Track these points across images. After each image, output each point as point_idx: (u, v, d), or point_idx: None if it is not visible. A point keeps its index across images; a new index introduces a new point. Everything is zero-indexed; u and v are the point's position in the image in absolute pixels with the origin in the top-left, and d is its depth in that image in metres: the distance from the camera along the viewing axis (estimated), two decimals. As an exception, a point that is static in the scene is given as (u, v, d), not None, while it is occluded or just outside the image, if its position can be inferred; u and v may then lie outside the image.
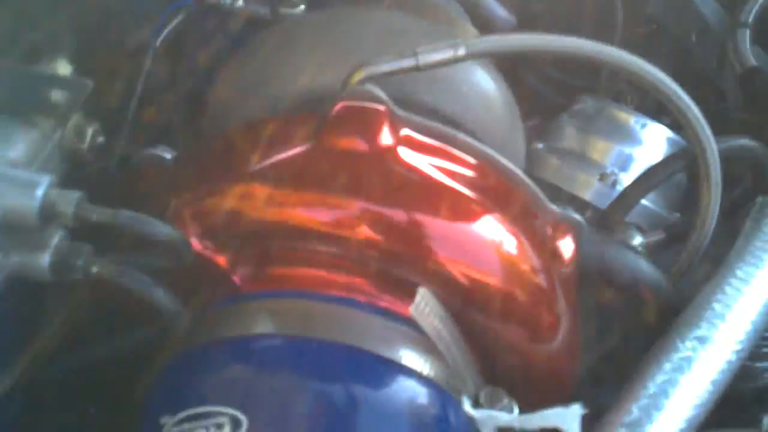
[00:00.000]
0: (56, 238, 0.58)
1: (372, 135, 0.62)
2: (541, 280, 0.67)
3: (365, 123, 0.63)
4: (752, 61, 1.16)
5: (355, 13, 0.79)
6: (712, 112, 1.17)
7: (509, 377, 0.68)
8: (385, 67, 0.68)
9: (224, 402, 0.57)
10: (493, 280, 0.64)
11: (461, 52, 0.69)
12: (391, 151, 0.63)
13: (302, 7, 0.91)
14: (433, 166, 0.65)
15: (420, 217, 0.64)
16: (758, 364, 0.93)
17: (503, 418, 0.62)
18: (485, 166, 0.68)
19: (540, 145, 1.02)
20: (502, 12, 1.17)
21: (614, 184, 0.94)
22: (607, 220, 0.84)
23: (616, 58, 0.71)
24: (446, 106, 0.75)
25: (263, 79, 0.76)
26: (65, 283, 0.61)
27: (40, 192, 0.54)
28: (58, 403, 0.73)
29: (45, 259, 0.58)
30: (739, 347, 0.70)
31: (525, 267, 0.66)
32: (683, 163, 0.82)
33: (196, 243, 0.64)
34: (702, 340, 0.70)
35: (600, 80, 1.31)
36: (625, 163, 0.99)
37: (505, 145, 0.79)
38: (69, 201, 0.55)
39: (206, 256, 0.64)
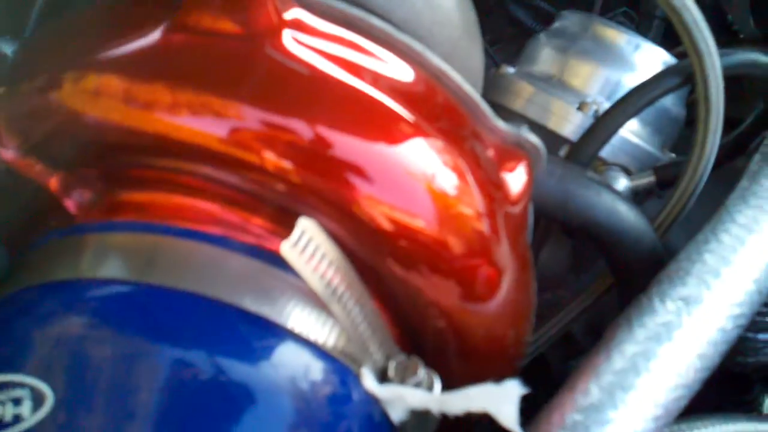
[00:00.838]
0: None
1: (245, 12, 0.46)
2: (482, 225, 0.51)
3: None
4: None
5: None
6: (716, 36, 1.01)
7: (436, 346, 0.53)
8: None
9: (28, 369, 0.42)
10: (421, 224, 0.49)
11: None
12: (271, 35, 0.47)
13: None
14: (336, 60, 0.49)
15: (325, 132, 0.47)
16: (761, 336, 0.78)
17: (417, 396, 0.47)
18: (413, 68, 0.52)
19: (510, 69, 0.86)
20: None
21: (597, 115, 0.78)
22: (578, 152, 0.68)
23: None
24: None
25: None
26: None
27: None
28: None
29: None
30: (737, 311, 0.55)
31: (464, 210, 0.50)
32: (676, 81, 0.66)
33: (15, 158, 0.48)
34: (688, 300, 0.54)
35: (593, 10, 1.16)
36: (612, 92, 0.82)
37: (453, 53, 0.63)
38: None
39: (30, 176, 0.49)
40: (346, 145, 0.47)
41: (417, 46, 0.52)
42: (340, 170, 0.47)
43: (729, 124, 0.75)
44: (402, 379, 0.48)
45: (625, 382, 0.50)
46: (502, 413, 0.45)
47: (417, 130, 0.50)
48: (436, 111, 0.51)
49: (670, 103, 0.82)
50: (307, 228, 0.45)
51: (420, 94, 0.52)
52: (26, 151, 0.48)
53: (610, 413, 0.49)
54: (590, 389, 0.50)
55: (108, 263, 0.46)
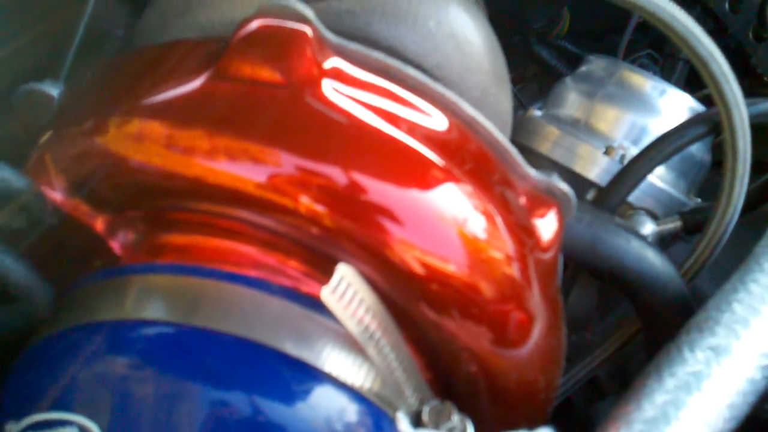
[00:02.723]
0: None
1: (286, 61, 0.49)
2: (513, 270, 0.53)
3: (279, 46, 0.49)
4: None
5: None
6: (746, 92, 1.03)
7: (468, 391, 0.54)
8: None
9: (76, 407, 0.44)
10: (453, 268, 0.50)
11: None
12: (311, 84, 0.49)
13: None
14: (373, 109, 0.51)
15: (360, 178, 0.50)
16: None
17: (449, 440, 0.49)
18: (446, 116, 0.54)
19: (538, 113, 0.88)
20: None
21: (623, 159, 0.80)
22: (606, 198, 0.70)
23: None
24: (407, 44, 0.61)
25: (192, 5, 0.63)
26: None
27: None
28: None
29: None
30: (765, 362, 0.56)
31: (494, 254, 0.52)
32: (704, 130, 0.68)
33: (62, 199, 0.51)
34: (717, 350, 0.56)
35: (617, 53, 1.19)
36: (638, 137, 0.85)
37: (483, 99, 0.66)
38: None
39: (78, 217, 0.51)
40: (379, 190, 0.50)
41: (450, 95, 0.54)
42: (373, 215, 0.49)
43: (757, 167, 0.77)
44: (436, 424, 0.49)
45: (655, 430, 0.51)
46: (534, 460, 0.46)
47: (449, 177, 0.52)
48: (468, 158, 0.54)
49: (696, 148, 0.84)
50: (346, 274, 0.47)
51: (453, 142, 0.54)
52: (73, 192, 0.51)
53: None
54: (621, 436, 0.51)
55: (152, 305, 0.48)
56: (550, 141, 0.85)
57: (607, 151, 0.81)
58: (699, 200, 0.85)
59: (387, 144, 0.51)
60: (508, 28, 1.27)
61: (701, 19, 1.22)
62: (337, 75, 0.51)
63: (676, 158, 0.84)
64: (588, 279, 0.79)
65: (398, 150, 0.52)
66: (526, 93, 1.30)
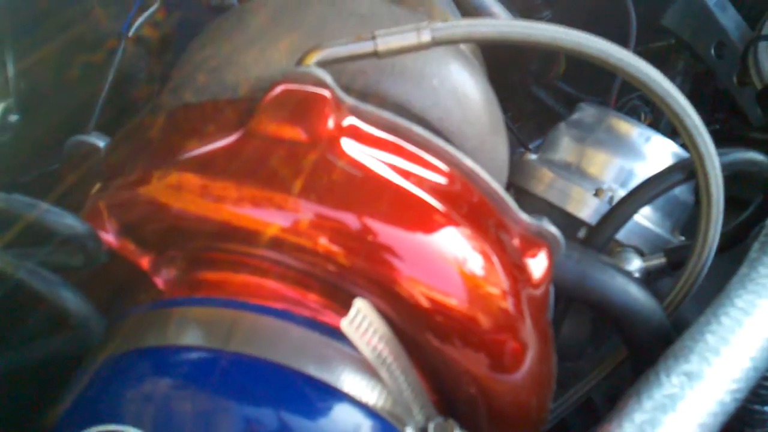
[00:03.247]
0: (-50, 226, 0.53)
1: (310, 122, 0.57)
2: (508, 304, 0.61)
3: (303, 108, 0.57)
4: (773, 77, 1.10)
5: (311, -5, 0.74)
6: (732, 133, 1.11)
7: (468, 411, 0.61)
8: (340, 51, 0.62)
9: (132, 421, 0.51)
10: (454, 302, 0.58)
11: (426, 37, 0.63)
12: (332, 141, 0.57)
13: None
14: (385, 163, 0.59)
15: (372, 223, 0.57)
16: (767, 409, 0.86)
17: (452, 455, 0.56)
18: (449, 168, 0.62)
19: (533, 156, 0.96)
20: (503, 14, 1.12)
21: (611, 201, 0.88)
22: (594, 237, 0.78)
23: (600, 51, 0.65)
24: (413, 100, 0.69)
25: (220, 64, 0.71)
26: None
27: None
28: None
29: (-65, 250, 0.53)
30: (734, 386, 0.63)
31: (491, 290, 0.60)
32: (682, 175, 0.75)
33: (114, 240, 0.58)
34: (691, 376, 0.63)
35: (610, 94, 1.26)
36: (625, 180, 0.92)
37: (481, 147, 0.73)
38: (-44, 182, 0.50)
39: (127, 256, 0.58)
40: (389, 234, 0.57)
41: (451, 149, 0.62)
42: (384, 255, 0.57)
43: (738, 204, 0.85)
44: (440, 439, 0.56)
45: (634, 447, 0.58)
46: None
47: (450, 222, 0.59)
48: (467, 205, 0.61)
49: (679, 190, 0.92)
50: (362, 307, 0.55)
51: (454, 192, 0.62)
52: (123, 234, 0.58)
53: (621, 474, 0.58)
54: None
55: (191, 333, 0.55)
56: (544, 183, 0.93)
57: (597, 193, 0.89)
58: (683, 238, 0.92)
59: (397, 194, 0.59)
60: (508, 69, 1.35)
61: (690, 64, 1.31)
62: (354, 133, 0.58)
63: (661, 200, 0.92)
64: (582, 312, 0.86)
65: (407, 199, 0.59)
66: (524, 131, 1.38)
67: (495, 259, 0.60)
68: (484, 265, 0.59)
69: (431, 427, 0.57)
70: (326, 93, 0.58)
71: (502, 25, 0.65)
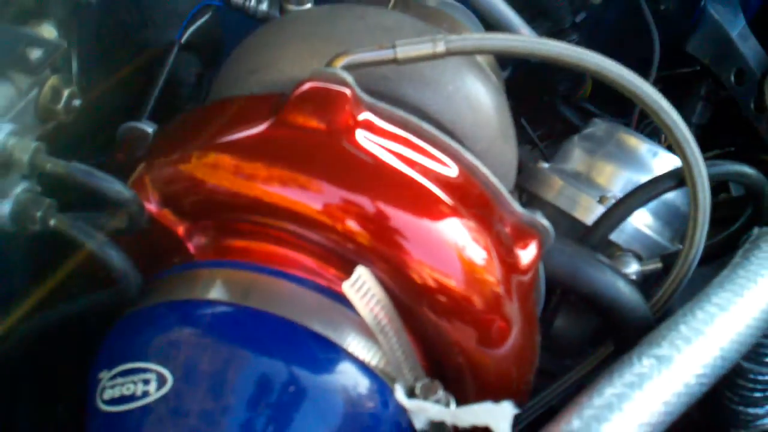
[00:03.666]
0: (19, 188, 0.63)
1: (329, 115, 0.66)
2: (499, 289, 0.68)
3: (325, 103, 0.66)
4: (789, 104, 1.16)
5: (350, 8, 0.82)
6: (747, 156, 1.17)
7: (455, 378, 0.69)
8: (363, 57, 0.71)
9: (155, 360, 0.60)
10: (453, 283, 0.66)
11: (440, 48, 0.71)
12: (347, 132, 0.66)
13: (309, 5, 0.96)
14: (396, 154, 0.67)
15: (385, 208, 0.65)
16: (751, 410, 0.92)
17: (435, 410, 0.63)
18: (454, 163, 0.70)
19: (546, 165, 1.03)
20: (528, 32, 1.20)
21: (599, 200, 0.95)
22: (589, 236, 0.85)
23: (598, 65, 0.72)
24: (429, 103, 0.77)
25: (260, 66, 0.80)
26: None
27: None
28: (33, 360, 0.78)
29: (6, 207, 0.63)
30: (702, 372, 0.70)
31: (486, 276, 0.68)
32: (673, 182, 0.82)
33: (156, 210, 0.67)
34: (661, 359, 0.70)
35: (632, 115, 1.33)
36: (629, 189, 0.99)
37: (490, 150, 0.81)
38: (25, 149, 0.60)
39: (165, 224, 0.68)
40: (401, 219, 0.65)
41: (457, 146, 0.70)
42: (396, 238, 0.65)
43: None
44: (425, 396, 0.64)
45: (601, 416, 0.65)
46: (499, 428, 0.61)
47: (455, 213, 0.67)
48: (470, 197, 0.69)
49: (680, 201, 0.98)
50: (363, 273, 0.63)
51: (458, 184, 0.70)
52: (163, 205, 0.68)
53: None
54: (572, 420, 0.65)
55: (214, 289, 0.64)
56: (555, 190, 1.00)
57: (601, 200, 0.96)
58: (681, 246, 0.98)
59: (406, 182, 0.67)
60: (539, 90, 1.43)
61: (713, 90, 1.37)
62: (368, 126, 0.67)
63: (662, 210, 0.98)
64: (580, 309, 0.93)
65: (415, 188, 0.67)
66: (553, 148, 1.45)
67: (492, 248, 0.68)
68: (482, 254, 0.67)
69: (418, 386, 0.65)
70: (347, 91, 0.67)
71: (509, 39, 0.73)
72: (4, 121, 0.63)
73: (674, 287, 0.83)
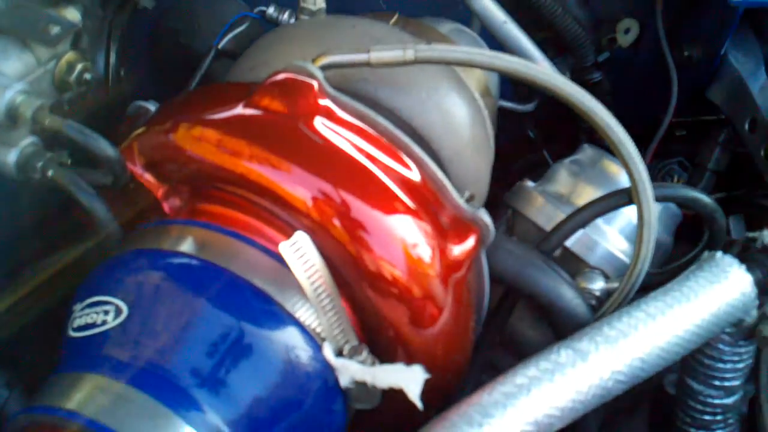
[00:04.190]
0: (26, 141, 0.75)
1: (292, 100, 0.75)
2: (437, 281, 0.76)
3: (291, 90, 0.75)
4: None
5: (345, 19, 0.93)
6: (749, 200, 1.22)
7: (387, 350, 0.76)
8: (341, 58, 0.81)
9: (115, 294, 0.71)
10: (398, 273, 0.74)
11: (410, 55, 0.81)
12: (306, 117, 0.75)
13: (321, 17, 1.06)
14: (352, 144, 0.76)
15: (344, 194, 0.74)
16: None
17: (356, 369, 0.71)
18: (404, 156, 0.78)
19: (531, 184, 1.10)
20: (543, 59, 1.28)
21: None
22: (544, 243, 0.91)
23: (549, 82, 0.80)
24: (402, 107, 0.86)
25: (258, 64, 0.90)
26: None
27: (9, 94, 0.71)
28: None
29: (13, 155, 0.74)
30: (617, 369, 0.76)
31: (428, 271, 0.76)
32: (624, 199, 0.88)
33: (139, 171, 0.78)
34: (578, 353, 0.76)
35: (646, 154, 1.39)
36: (610, 216, 1.05)
37: (457, 158, 0.89)
38: (30, 105, 0.71)
39: (146, 185, 0.78)
40: (357, 207, 0.74)
41: (407, 139, 0.78)
42: (352, 224, 0.73)
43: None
44: (351, 357, 0.72)
45: (507, 400, 0.72)
46: (409, 389, 0.68)
47: (408, 209, 0.75)
48: (417, 190, 0.77)
49: (659, 233, 1.04)
50: (301, 238, 0.72)
51: (407, 177, 0.78)
52: (146, 168, 0.78)
53: (496, 415, 0.71)
54: (482, 398, 0.72)
55: (178, 242, 0.74)
56: (536, 208, 1.07)
57: (572, 218, 1.03)
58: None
59: (359, 170, 0.76)
60: (565, 125, 1.50)
61: (732, 137, 1.41)
62: (328, 114, 0.76)
63: (635, 234, 1.04)
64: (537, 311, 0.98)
65: (367, 176, 0.76)
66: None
67: (435, 243, 0.76)
68: (427, 250, 0.76)
69: (346, 348, 0.73)
70: (313, 82, 0.76)
71: (471, 52, 0.82)
72: (22, 84, 0.75)
73: (622, 298, 0.88)
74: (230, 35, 1.26)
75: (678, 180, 1.45)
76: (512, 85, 1.39)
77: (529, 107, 1.42)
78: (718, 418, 0.95)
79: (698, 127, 1.47)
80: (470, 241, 0.78)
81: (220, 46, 1.23)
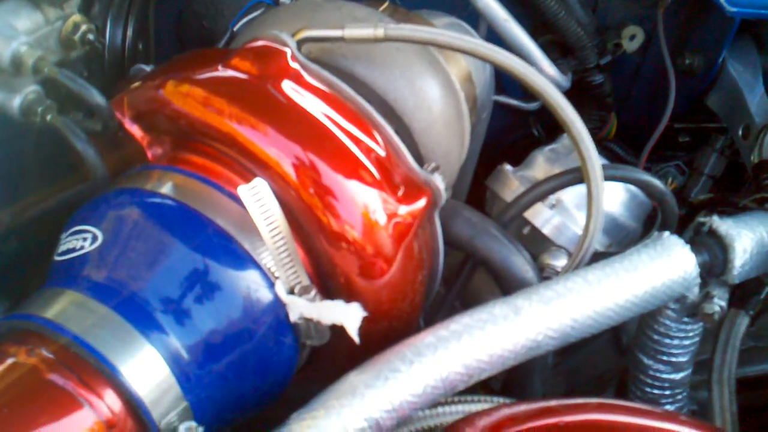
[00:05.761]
0: (30, 87, 0.86)
1: (264, 63, 0.85)
2: (389, 241, 0.85)
3: (264, 56, 0.85)
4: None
5: (330, 2, 1.02)
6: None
7: (338, 295, 0.85)
8: (318, 33, 0.91)
9: (94, 224, 0.81)
10: (355, 234, 0.83)
11: (380, 32, 0.90)
12: (274, 79, 0.85)
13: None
14: (316, 105, 0.85)
15: (311, 156, 0.83)
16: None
17: (302, 304, 0.80)
18: (366, 120, 0.87)
19: (509, 167, 1.18)
20: (553, 71, 1.35)
21: (552, 207, 1.09)
22: (501, 216, 0.99)
23: (506, 63, 0.89)
24: (377, 82, 0.95)
25: (249, 38, 1.00)
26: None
27: (14, 44, 0.82)
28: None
29: (17, 100, 0.85)
30: (548, 326, 0.83)
31: (381, 233, 0.84)
32: (572, 178, 0.96)
33: (127, 122, 0.88)
34: (512, 307, 0.83)
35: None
36: (581, 202, 1.12)
37: (426, 132, 0.98)
38: (32, 55, 0.82)
39: (132, 134, 0.89)
40: (323, 169, 0.82)
41: (368, 107, 0.87)
42: (317, 185, 0.82)
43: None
44: (300, 296, 0.81)
45: (440, 343, 0.79)
46: (348, 324, 0.77)
47: (371, 177, 0.84)
48: (375, 153, 0.86)
49: (623, 217, 1.11)
50: (260, 184, 0.81)
51: (371, 146, 0.87)
52: (134, 120, 0.89)
53: (430, 356, 0.79)
54: (418, 340, 0.80)
55: (159, 185, 0.84)
56: (511, 190, 1.15)
57: (553, 205, 1.11)
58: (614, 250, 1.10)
59: (325, 134, 0.85)
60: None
61: (729, 144, 1.47)
62: (296, 79, 0.86)
63: (607, 223, 1.11)
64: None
65: (332, 140, 0.85)
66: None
67: (390, 209, 0.84)
68: (384, 217, 0.84)
69: (297, 287, 0.81)
70: (286, 50, 0.86)
71: (435, 32, 0.91)
72: (30, 39, 0.86)
73: (572, 270, 0.96)
74: (246, 19, 1.37)
75: (671, 182, 1.51)
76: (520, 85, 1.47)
77: (534, 105, 1.50)
78: (667, 393, 1.01)
79: (701, 134, 1.53)
80: (421, 202, 0.86)
81: (235, 29, 1.34)
